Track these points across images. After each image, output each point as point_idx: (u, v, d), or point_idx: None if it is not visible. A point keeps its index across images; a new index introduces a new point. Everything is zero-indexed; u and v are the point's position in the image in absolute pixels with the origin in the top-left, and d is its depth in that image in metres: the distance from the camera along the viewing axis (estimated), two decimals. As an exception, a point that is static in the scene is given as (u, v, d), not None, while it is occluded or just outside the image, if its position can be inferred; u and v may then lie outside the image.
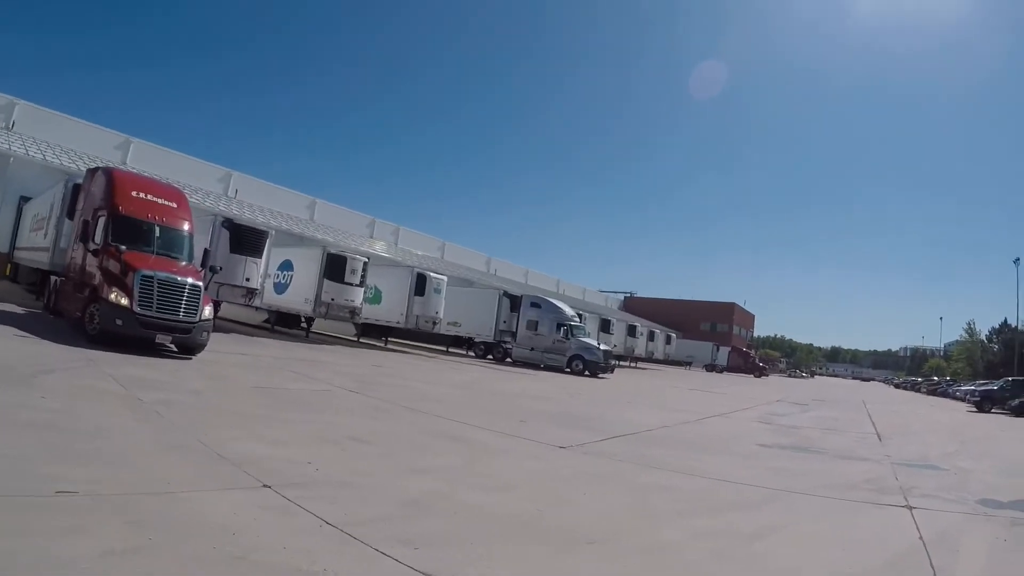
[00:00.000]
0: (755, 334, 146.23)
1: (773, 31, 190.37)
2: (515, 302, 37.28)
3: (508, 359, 36.13)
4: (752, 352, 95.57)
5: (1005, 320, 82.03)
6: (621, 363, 55.06)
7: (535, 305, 36.23)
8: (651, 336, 63.44)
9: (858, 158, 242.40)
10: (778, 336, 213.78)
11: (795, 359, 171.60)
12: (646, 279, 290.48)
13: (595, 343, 35.24)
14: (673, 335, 72.65)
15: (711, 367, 74.78)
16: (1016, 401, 35.71)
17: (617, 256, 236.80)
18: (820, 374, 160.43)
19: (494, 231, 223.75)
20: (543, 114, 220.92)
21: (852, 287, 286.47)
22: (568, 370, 33.18)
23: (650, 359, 64.14)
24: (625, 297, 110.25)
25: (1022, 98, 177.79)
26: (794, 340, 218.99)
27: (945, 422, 28.22)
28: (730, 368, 77.64)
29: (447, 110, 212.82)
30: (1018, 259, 60.06)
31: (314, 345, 27.04)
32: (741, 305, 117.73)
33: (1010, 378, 44.64)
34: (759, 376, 74.36)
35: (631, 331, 57.20)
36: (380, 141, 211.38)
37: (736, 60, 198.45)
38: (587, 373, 33.03)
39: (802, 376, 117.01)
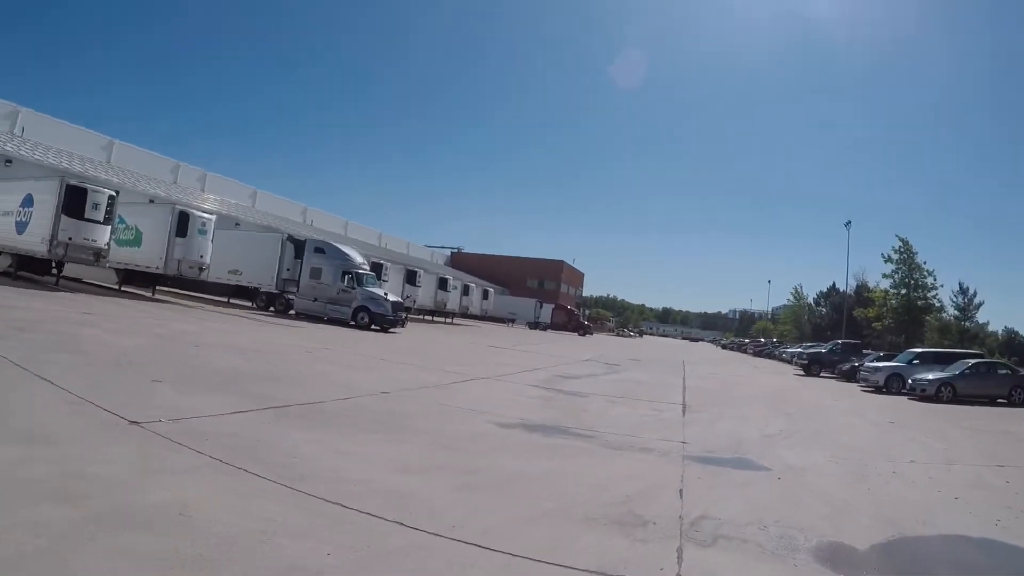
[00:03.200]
0: (586, 293, 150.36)
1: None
2: (301, 248, 34.89)
3: (291, 311, 33.97)
4: (576, 309, 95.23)
5: (833, 284, 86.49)
6: (435, 318, 56.15)
7: (319, 251, 33.93)
8: (466, 290, 62.07)
9: (692, 119, 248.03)
10: (610, 296, 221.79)
11: (624, 318, 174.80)
12: (482, 236, 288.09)
13: (383, 293, 33.19)
14: (491, 290, 72.21)
15: (534, 324, 74.18)
16: (847, 365, 35.50)
17: (452, 213, 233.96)
18: (649, 334, 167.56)
19: (347, 189, 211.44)
20: (393, 67, 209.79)
21: (685, 250, 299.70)
22: (353, 323, 31.43)
23: (465, 314, 63.61)
24: (452, 253, 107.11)
25: (859, 68, 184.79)
26: (626, 300, 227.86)
27: (770, 388, 26.82)
28: (554, 326, 77.85)
29: (292, 62, 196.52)
30: (849, 222, 61.95)
31: (51, 294, 23.37)
32: (570, 263, 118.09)
33: (840, 341, 44.80)
34: (583, 334, 74.47)
35: (442, 284, 54.94)
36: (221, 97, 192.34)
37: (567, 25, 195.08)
38: (374, 327, 31.15)
39: (630, 335, 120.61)
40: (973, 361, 27.47)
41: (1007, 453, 13.03)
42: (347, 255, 33.93)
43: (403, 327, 33.93)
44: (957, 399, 24.64)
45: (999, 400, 25.69)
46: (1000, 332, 67.28)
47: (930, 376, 25.77)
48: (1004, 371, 27.83)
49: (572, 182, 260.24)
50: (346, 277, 32.27)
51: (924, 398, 24.85)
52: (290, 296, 34.43)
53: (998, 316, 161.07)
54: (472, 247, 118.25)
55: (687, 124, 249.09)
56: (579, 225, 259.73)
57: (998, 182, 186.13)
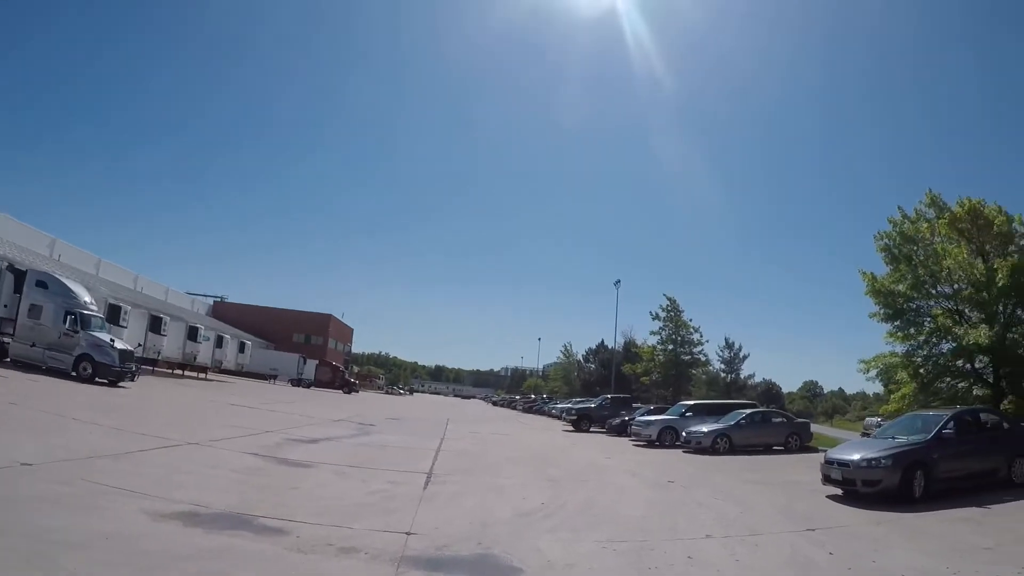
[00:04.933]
0: (357, 350, 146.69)
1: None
2: (22, 280, 29.41)
3: (7, 358, 28.31)
4: (344, 366, 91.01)
5: (602, 341, 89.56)
6: (185, 372, 50.75)
7: (41, 284, 28.90)
8: (220, 342, 56.92)
9: (460, 173, 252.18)
10: (382, 353, 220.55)
11: (395, 376, 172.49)
12: (249, 286, 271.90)
13: (109, 339, 28.47)
14: (248, 343, 67.48)
15: (297, 381, 68.81)
16: (617, 420, 34.91)
17: (215, 257, 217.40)
18: (421, 391, 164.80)
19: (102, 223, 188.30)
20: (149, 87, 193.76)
21: (458, 308, 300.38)
22: (74, 374, 26.91)
23: (220, 369, 58.47)
24: (215, 301, 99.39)
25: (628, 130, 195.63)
26: (398, 358, 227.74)
27: (536, 447, 25.31)
28: (319, 383, 72.94)
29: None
30: (618, 281, 62.86)
31: None
32: (339, 318, 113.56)
33: (609, 396, 44.75)
34: (349, 392, 71.03)
35: (192, 334, 50.07)
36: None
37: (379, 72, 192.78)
38: (99, 379, 26.77)
39: (400, 393, 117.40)
40: (748, 411, 27.38)
41: (810, 510, 11.84)
42: (72, 291, 29.11)
43: (133, 380, 29.62)
44: (733, 450, 24.19)
45: (775, 448, 25.64)
46: (760, 382, 71.04)
47: (704, 428, 25.23)
48: (779, 419, 28.23)
49: (345, 236, 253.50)
50: (68, 318, 27.65)
51: (700, 450, 24.21)
52: (5, 339, 28.80)
53: (760, 368, 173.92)
54: (238, 297, 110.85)
55: (456, 179, 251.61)
56: (352, 279, 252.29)
57: (759, 254, 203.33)
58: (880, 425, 27.18)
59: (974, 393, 26.72)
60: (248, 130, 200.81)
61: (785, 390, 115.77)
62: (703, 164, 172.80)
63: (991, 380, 26.41)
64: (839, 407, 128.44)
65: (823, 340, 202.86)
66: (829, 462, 13.64)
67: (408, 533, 7.72)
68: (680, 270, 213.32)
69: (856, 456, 13.09)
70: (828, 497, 13.16)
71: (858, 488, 12.74)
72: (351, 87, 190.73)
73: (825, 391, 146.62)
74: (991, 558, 8.12)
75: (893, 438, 14.23)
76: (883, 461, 12.56)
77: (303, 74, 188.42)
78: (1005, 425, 15.51)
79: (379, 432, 23.19)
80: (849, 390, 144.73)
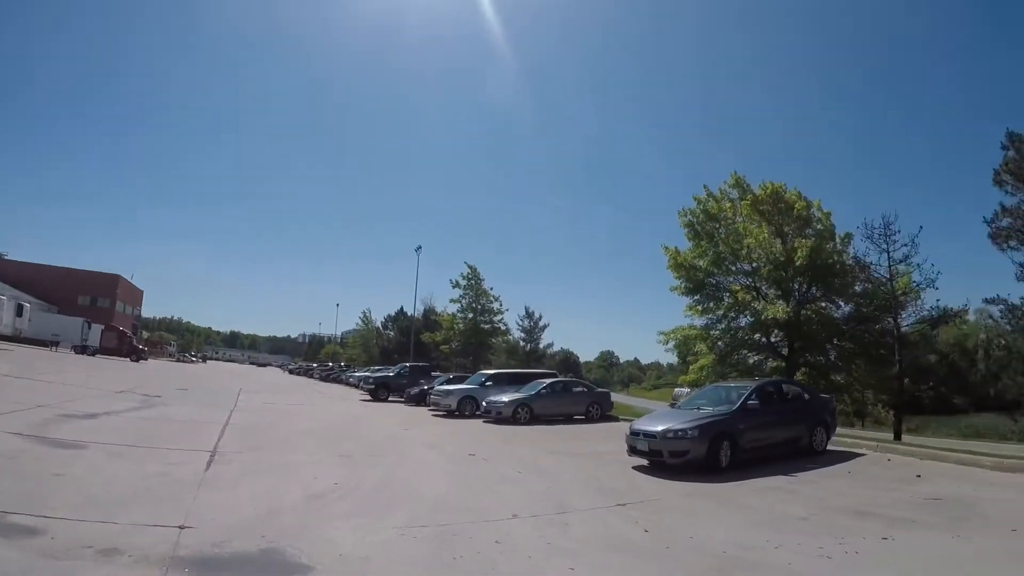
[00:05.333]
0: (148, 314, 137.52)
1: None
2: None
3: None
4: (132, 332, 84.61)
5: (402, 308, 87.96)
6: None
7: None
8: None
9: (272, 150, 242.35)
10: (175, 318, 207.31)
11: (187, 342, 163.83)
12: (38, 243, 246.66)
13: None
14: (27, 305, 61.78)
15: (81, 348, 62.75)
16: (416, 389, 34.19)
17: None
18: (215, 359, 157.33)
19: None
20: None
21: (254, 271, 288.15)
22: None
23: None
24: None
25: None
26: (192, 323, 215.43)
27: (333, 418, 24.04)
28: (104, 350, 66.63)
29: None
30: (419, 247, 62.07)
31: None
32: (128, 279, 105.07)
33: (408, 364, 43.82)
34: (137, 360, 65.52)
35: None
36: None
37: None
38: None
39: (192, 360, 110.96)
40: (549, 380, 27.33)
41: (618, 483, 11.56)
42: None
43: None
44: (535, 419, 24.02)
45: (576, 417, 25.71)
46: (558, 351, 72.50)
47: (505, 398, 24.87)
48: (579, 388, 28.25)
49: (133, 188, 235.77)
50: None
51: (500, 420, 23.85)
52: None
53: (559, 338, 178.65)
54: (22, 254, 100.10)
55: (251, 143, 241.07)
56: (145, 238, 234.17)
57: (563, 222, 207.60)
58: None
59: (769, 365, 28.51)
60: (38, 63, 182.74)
61: (583, 359, 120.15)
62: (510, 126, 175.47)
63: (785, 353, 28.21)
64: (635, 376, 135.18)
65: (621, 311, 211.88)
66: (635, 433, 13.49)
67: (182, 527, 6.64)
68: (484, 237, 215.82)
69: (662, 427, 12.96)
70: (635, 468, 13.00)
71: (665, 459, 12.65)
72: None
73: (622, 361, 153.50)
74: (809, 528, 8.06)
75: (698, 408, 14.33)
76: (689, 432, 12.52)
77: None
78: (805, 396, 16.10)
79: (165, 404, 20.97)
80: (644, 360, 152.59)
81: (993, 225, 22.53)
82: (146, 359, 72.32)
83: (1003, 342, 56.85)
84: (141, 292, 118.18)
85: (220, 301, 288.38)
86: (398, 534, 7.15)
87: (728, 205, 29.31)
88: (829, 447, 15.41)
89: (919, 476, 12.04)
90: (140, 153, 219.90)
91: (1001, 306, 22.27)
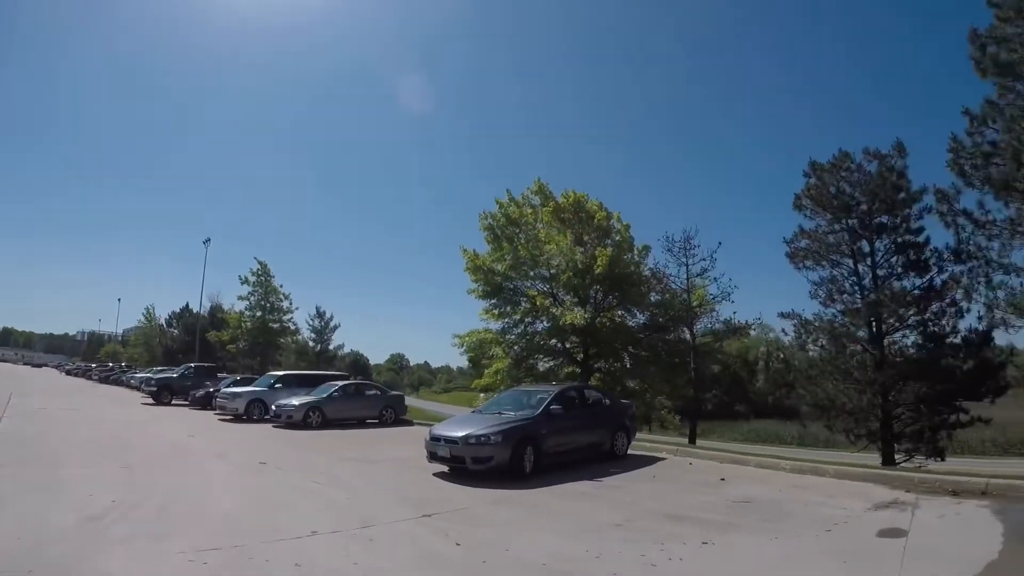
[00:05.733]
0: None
1: None
2: None
3: None
4: None
5: (187, 304, 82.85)
6: None
7: None
8: None
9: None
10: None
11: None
12: None
13: None
14: None
15: None
16: (201, 391, 32.34)
17: None
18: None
19: None
20: None
21: (30, 267, 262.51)
22: None
23: None
24: None
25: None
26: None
27: (110, 425, 21.87)
28: None
29: None
30: (207, 240, 58.50)
31: None
32: None
33: (192, 365, 41.01)
34: None
35: None
36: None
37: None
38: None
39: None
40: (341, 383, 26.46)
41: (421, 492, 11.02)
42: None
43: None
44: (327, 424, 23.15)
45: (369, 421, 25.13)
46: (348, 353, 71.06)
47: (295, 401, 23.79)
48: (373, 391, 27.62)
49: None
50: None
51: (291, 425, 22.81)
52: None
53: (349, 339, 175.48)
54: None
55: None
56: None
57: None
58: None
59: (564, 370, 28.87)
60: None
61: (372, 362, 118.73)
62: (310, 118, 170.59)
63: (580, 359, 28.74)
64: (425, 379, 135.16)
65: (411, 314, 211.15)
66: (435, 439, 12.96)
67: None
68: (275, 234, 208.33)
69: (464, 432, 12.53)
70: (436, 475, 12.58)
71: (468, 465, 12.25)
72: None
73: (412, 364, 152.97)
74: (627, 535, 7.91)
75: (500, 413, 13.97)
76: (492, 437, 12.20)
77: None
78: (606, 401, 16.19)
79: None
80: (435, 363, 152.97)
81: (792, 246, 23.98)
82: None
83: (782, 355, 61.95)
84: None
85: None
86: (185, 560, 6.32)
87: (530, 211, 29.68)
88: (630, 451, 15.62)
89: (723, 479, 12.29)
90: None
91: (795, 320, 23.65)
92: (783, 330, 25.79)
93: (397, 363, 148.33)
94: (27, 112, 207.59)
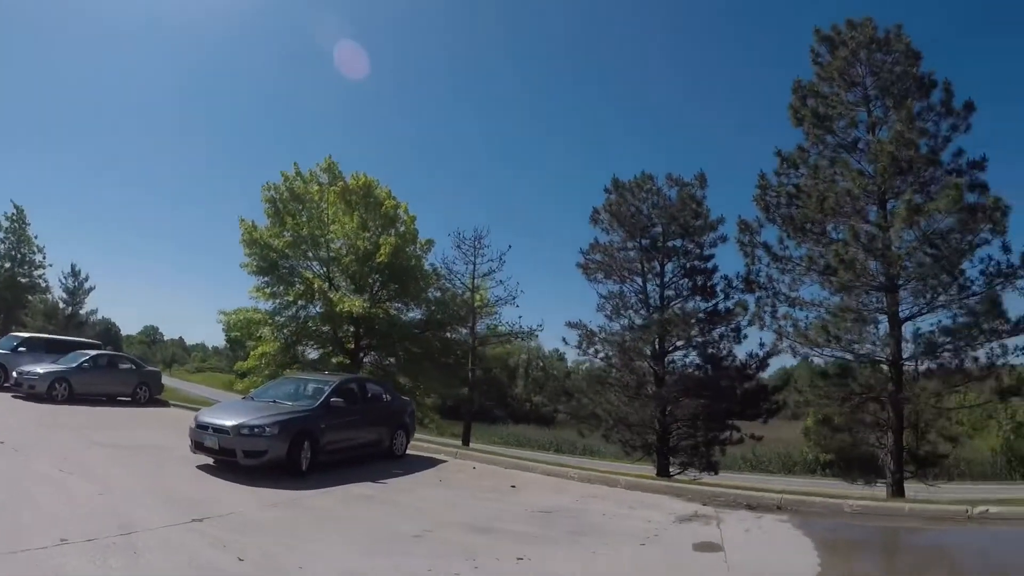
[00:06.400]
0: None
1: None
2: None
3: None
4: None
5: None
6: None
7: None
8: None
9: None
10: None
11: None
12: None
13: None
14: None
15: None
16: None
17: None
18: None
19: None
20: None
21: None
22: None
23: None
24: None
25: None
26: None
27: None
28: None
29: None
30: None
31: None
32: None
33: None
34: None
35: None
36: None
37: None
38: None
39: None
40: (93, 353, 23.12)
41: (187, 489, 9.65)
42: None
43: None
44: (73, 398, 20.24)
45: (120, 398, 22.40)
46: (99, 320, 64.85)
47: (40, 369, 20.49)
48: (127, 365, 24.25)
49: None
50: None
51: (34, 396, 19.68)
52: None
53: (102, 304, 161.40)
54: None
55: None
56: None
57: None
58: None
59: (334, 360, 27.73)
60: None
61: (124, 332, 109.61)
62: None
63: (351, 349, 27.72)
64: (179, 356, 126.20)
65: (171, 283, 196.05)
66: (202, 426, 11.43)
67: None
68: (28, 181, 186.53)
69: (236, 422, 11.16)
70: (201, 468, 11.17)
71: (238, 459, 10.92)
72: None
73: (166, 338, 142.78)
74: (432, 549, 7.21)
75: (275, 402, 12.73)
76: (268, 429, 11.00)
77: None
78: (386, 396, 15.30)
79: None
80: (190, 340, 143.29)
81: (586, 257, 24.26)
82: None
83: (541, 364, 63.86)
84: None
85: None
86: None
87: (316, 188, 28.36)
88: (407, 451, 14.98)
89: (514, 486, 11.88)
90: None
91: (581, 330, 23.90)
92: (564, 339, 26.00)
93: (151, 336, 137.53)
94: None
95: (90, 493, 8.60)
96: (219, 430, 11.24)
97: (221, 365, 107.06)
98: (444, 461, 14.75)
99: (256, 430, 11.07)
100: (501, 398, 68.16)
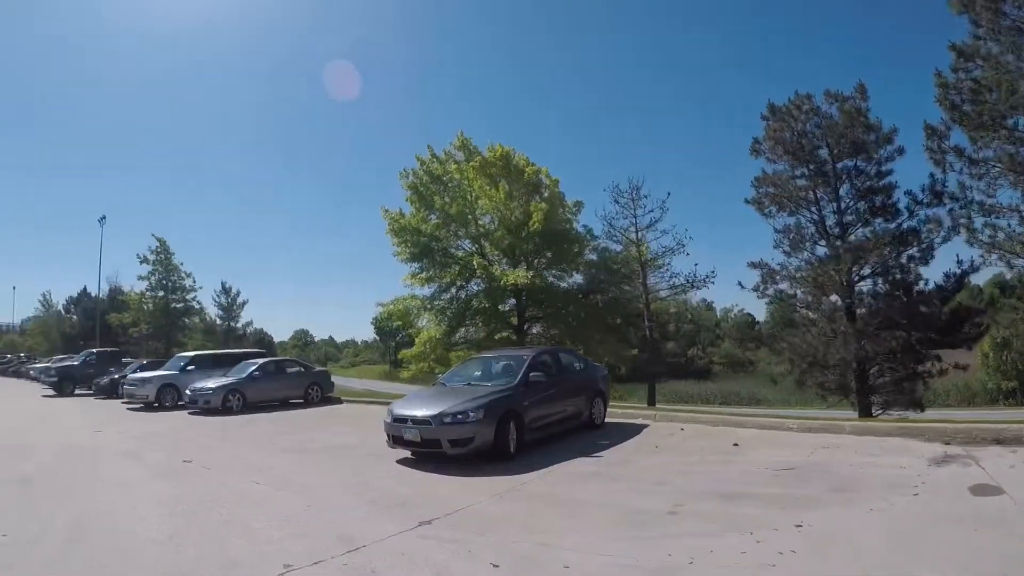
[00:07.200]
0: None
1: None
2: None
3: None
4: None
5: (85, 288, 77.66)
6: None
7: None
8: None
9: None
10: None
11: None
12: None
13: None
14: None
15: None
16: (106, 379, 28.98)
17: None
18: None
19: None
20: None
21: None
22: None
23: None
24: None
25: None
26: None
27: (7, 422, 19.04)
28: None
29: None
30: (103, 218, 54.19)
31: None
32: None
33: (94, 350, 37.32)
34: None
35: None
36: None
37: None
38: None
39: None
40: (261, 361, 23.46)
41: (397, 489, 8.49)
42: None
43: None
44: (247, 407, 20.42)
45: (293, 401, 22.38)
46: (254, 331, 67.38)
47: (212, 384, 20.89)
48: (295, 368, 24.50)
49: None
50: None
51: (210, 411, 19.99)
52: None
53: (254, 316, 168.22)
54: None
55: None
56: None
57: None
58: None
59: (499, 335, 26.81)
60: None
61: (276, 339, 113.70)
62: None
63: (515, 322, 26.80)
64: (331, 355, 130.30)
65: (313, 287, 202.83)
66: (400, 420, 10.53)
67: None
68: (169, 209, 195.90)
69: (438, 410, 10.20)
70: (401, 463, 10.34)
71: (444, 449, 9.98)
72: None
73: (316, 339, 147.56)
74: (697, 526, 6.08)
75: (469, 385, 11.84)
76: (472, 414, 9.97)
77: None
78: (578, 365, 13.97)
79: None
80: (339, 338, 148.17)
81: (757, 190, 22.24)
82: None
83: (690, 316, 61.69)
84: None
85: None
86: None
87: (454, 167, 27.36)
88: (606, 419, 13.69)
89: (736, 444, 10.49)
90: None
91: (763, 269, 21.91)
92: (740, 283, 23.75)
93: (302, 339, 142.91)
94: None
95: (296, 506, 7.76)
96: (420, 421, 10.33)
97: (374, 358, 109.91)
98: (646, 425, 13.37)
99: (460, 416, 10.09)
100: (656, 355, 66.82)
